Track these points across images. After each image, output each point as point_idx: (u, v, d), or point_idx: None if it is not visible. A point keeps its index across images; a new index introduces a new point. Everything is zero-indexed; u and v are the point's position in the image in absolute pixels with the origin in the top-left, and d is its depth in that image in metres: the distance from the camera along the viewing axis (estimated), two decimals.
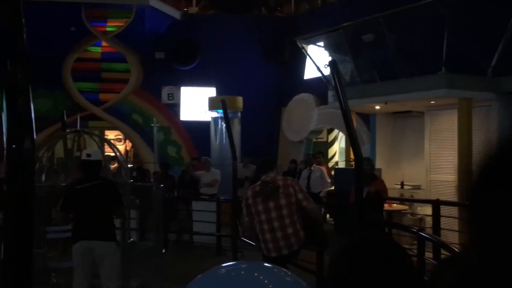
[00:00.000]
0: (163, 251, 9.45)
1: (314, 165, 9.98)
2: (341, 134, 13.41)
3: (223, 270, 1.07)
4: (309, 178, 9.85)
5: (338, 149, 14.57)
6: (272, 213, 4.65)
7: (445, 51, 7.65)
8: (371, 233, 1.24)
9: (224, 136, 12.80)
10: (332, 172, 10.96)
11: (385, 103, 9.03)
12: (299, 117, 13.66)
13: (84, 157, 5.08)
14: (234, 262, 1.16)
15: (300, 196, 4.73)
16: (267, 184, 4.76)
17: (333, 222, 9.77)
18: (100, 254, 4.92)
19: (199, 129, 14.24)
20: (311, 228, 4.90)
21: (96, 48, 14.65)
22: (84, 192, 4.90)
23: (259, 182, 4.90)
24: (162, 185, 10.29)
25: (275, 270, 1.04)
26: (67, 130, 8.61)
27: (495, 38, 7.92)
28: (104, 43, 14.52)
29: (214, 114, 13.42)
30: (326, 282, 1.08)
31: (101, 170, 5.39)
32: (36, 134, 2.22)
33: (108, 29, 14.38)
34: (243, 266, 1.09)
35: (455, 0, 7.55)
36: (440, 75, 7.86)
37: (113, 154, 7.15)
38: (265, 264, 1.11)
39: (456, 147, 8.25)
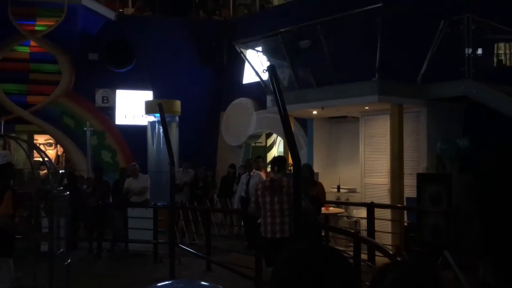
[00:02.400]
0: (97, 261, 9.08)
1: (254, 170, 9.97)
2: (279, 138, 13.53)
3: None
4: (247, 183, 9.83)
5: (276, 153, 14.68)
6: (275, 206, 5.69)
7: (378, 58, 7.91)
8: (312, 241, 1.24)
9: (161, 140, 12.53)
10: None
11: (322, 108, 9.21)
12: (238, 121, 13.65)
13: None
14: (170, 282, 1.08)
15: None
16: (275, 182, 5.75)
17: None
18: None
19: (136, 134, 13.86)
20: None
21: (24, 48, 13.88)
22: None
23: (269, 179, 5.98)
24: (95, 191, 9.95)
25: None
26: None
27: (424, 47, 8.31)
28: (32, 43, 13.78)
29: (151, 118, 13.12)
30: None
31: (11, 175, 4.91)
32: None
33: (37, 28, 13.67)
34: (179, 286, 1.01)
35: (388, 9, 7.84)
36: (374, 82, 8.12)
37: (41, 159, 6.76)
38: (202, 283, 1.04)
39: (388, 151, 8.54)
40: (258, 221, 6.62)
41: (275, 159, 6.35)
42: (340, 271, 1.09)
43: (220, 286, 0.99)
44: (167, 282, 1.02)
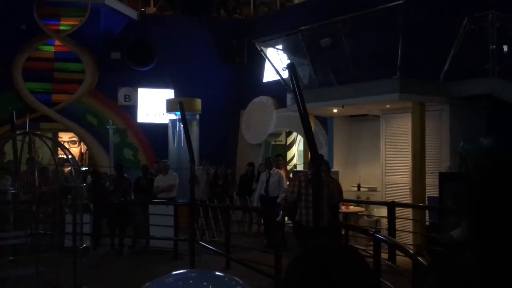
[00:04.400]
0: (118, 257, 9.22)
1: (274, 168, 9.98)
2: (299, 137, 13.51)
3: (171, 278, 1.01)
4: (267, 181, 9.85)
5: (296, 151, 14.67)
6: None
7: (399, 56, 7.83)
8: (328, 240, 1.23)
9: (182, 138, 12.63)
10: (291, 175, 11.01)
11: (342, 107, 9.16)
12: (258, 119, 13.67)
13: None
14: (184, 271, 1.10)
15: (335, 193, 6.68)
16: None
17: (291, 225, 9.80)
18: None
19: (157, 132, 14.01)
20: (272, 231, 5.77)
21: (48, 47, 14.15)
22: None
23: (309, 172, 6.45)
24: (117, 188, 10.10)
25: (226, 279, 0.98)
26: (17, 132, 8.24)
27: (447, 44, 8.18)
28: (57, 42, 14.04)
29: (172, 116, 13.24)
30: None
31: None
32: None
33: (61, 27, 13.92)
34: (193, 274, 1.03)
35: (410, 7, 7.75)
36: (395, 80, 8.04)
37: (65, 156, 6.90)
38: (216, 273, 1.06)
39: (410, 150, 8.45)
40: (277, 219, 6.69)
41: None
42: (356, 270, 1.07)
43: (235, 277, 1.01)
44: (181, 271, 1.04)
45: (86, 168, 13.78)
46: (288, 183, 10.38)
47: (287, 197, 7.01)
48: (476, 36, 8.07)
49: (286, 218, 9.62)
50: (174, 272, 1.05)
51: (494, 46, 8.05)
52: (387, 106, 8.93)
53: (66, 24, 13.88)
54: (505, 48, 8.47)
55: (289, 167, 13.43)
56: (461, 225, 4.52)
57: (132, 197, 10.37)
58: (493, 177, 0.93)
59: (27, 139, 7.37)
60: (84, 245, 6.78)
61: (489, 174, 0.94)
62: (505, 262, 0.86)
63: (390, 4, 7.80)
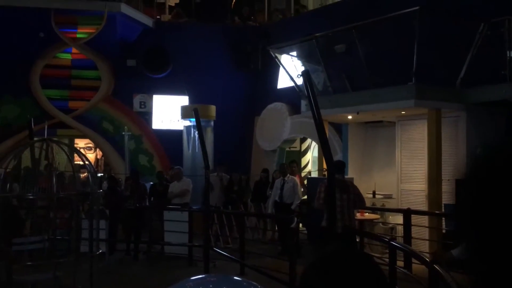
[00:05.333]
0: (134, 262, 9.27)
1: (288, 175, 9.96)
2: (314, 143, 13.47)
3: (191, 283, 1.02)
4: (282, 188, 9.83)
5: (311, 158, 14.62)
6: (344, 202, 6.57)
7: (415, 62, 7.78)
8: (343, 246, 1.23)
9: (197, 145, 12.69)
10: (305, 182, 10.98)
11: (357, 113, 9.12)
12: (272, 126, 13.67)
13: None
14: (203, 276, 1.11)
15: (360, 197, 6.90)
16: (340, 182, 6.46)
17: (306, 231, 9.76)
18: None
19: (172, 138, 14.08)
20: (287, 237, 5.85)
21: (66, 54, 14.36)
22: None
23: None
24: (133, 194, 10.17)
25: (244, 284, 0.99)
26: (35, 138, 8.37)
27: (463, 50, 8.11)
28: (74, 50, 14.24)
29: (187, 122, 13.31)
30: None
31: None
32: (2, 142, 2.11)
33: (78, 35, 14.12)
34: (212, 279, 1.04)
35: (425, 12, 7.71)
36: (410, 86, 7.99)
37: (82, 163, 6.98)
38: (234, 277, 1.07)
39: (426, 157, 8.37)
40: (292, 225, 6.69)
41: (337, 163, 6.84)
42: (370, 276, 1.06)
43: (253, 282, 1.01)
44: (200, 276, 1.05)
45: (102, 174, 13.91)
46: (302, 189, 10.37)
47: (315, 205, 6.97)
48: (493, 41, 7.99)
49: (301, 225, 9.60)
50: (192, 278, 1.06)
51: (511, 52, 7.96)
52: (403, 112, 8.87)
53: (83, 32, 14.08)
54: None
55: (303, 174, 13.39)
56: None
57: (148, 203, 10.44)
58: (485, 184, 0.91)
59: (45, 145, 7.47)
60: (100, 251, 6.84)
61: (482, 181, 0.92)
62: (503, 275, 0.84)
63: (405, 10, 7.77)
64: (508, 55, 7.94)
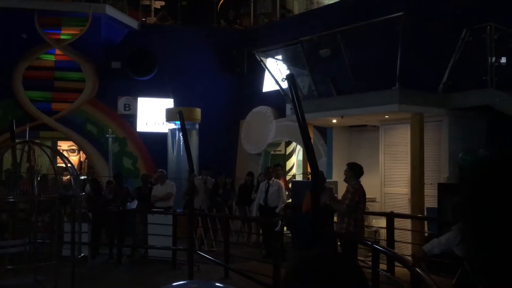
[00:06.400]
0: (117, 266, 9.19)
1: (273, 178, 9.97)
2: (299, 147, 13.52)
3: None
4: (267, 191, 9.84)
5: (296, 161, 14.67)
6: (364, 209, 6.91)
7: (398, 67, 7.87)
8: (325, 249, 1.24)
9: (181, 148, 12.64)
10: (290, 185, 11.00)
11: (342, 117, 9.18)
12: (257, 129, 13.69)
13: None
14: (185, 282, 1.11)
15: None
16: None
17: (290, 235, 9.77)
18: None
19: (156, 141, 14.01)
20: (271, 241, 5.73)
21: (49, 56, 14.20)
22: None
23: (358, 186, 6.76)
24: (116, 197, 10.08)
25: None
26: (16, 141, 8.24)
27: (446, 56, 8.23)
28: (57, 51, 14.09)
29: (172, 125, 13.25)
30: None
31: None
32: None
33: (62, 37, 13.98)
34: (194, 286, 1.04)
35: (409, 18, 7.80)
36: (394, 90, 8.07)
37: (64, 165, 6.90)
38: (217, 284, 1.07)
39: (409, 161, 8.46)
40: (276, 229, 6.68)
41: (358, 167, 6.99)
42: (350, 279, 1.07)
43: None
44: (182, 282, 1.04)
45: (85, 176, 13.77)
46: (287, 193, 10.39)
47: (343, 210, 6.74)
48: (475, 48, 8.12)
49: (285, 228, 9.61)
50: (174, 284, 1.05)
51: (493, 58, 8.09)
52: (386, 116, 8.95)
53: (67, 34, 13.94)
54: (504, 59, 8.51)
55: (288, 177, 13.42)
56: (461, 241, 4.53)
57: (136, 206, 10.34)
58: (486, 184, 0.93)
59: (26, 147, 7.37)
60: (83, 254, 6.76)
61: (481, 181, 0.94)
62: (504, 272, 0.86)
63: (389, 16, 7.86)
64: (489, 61, 8.07)
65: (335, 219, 7.52)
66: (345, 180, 6.90)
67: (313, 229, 4.97)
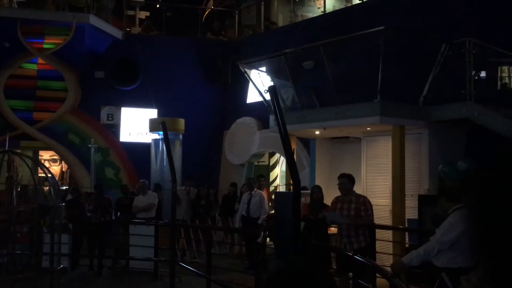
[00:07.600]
0: (97, 278, 9.06)
1: (255, 189, 9.99)
2: (282, 158, 13.57)
3: None
4: (249, 202, 9.84)
5: (279, 172, 14.71)
6: None
7: (380, 80, 7.99)
8: (299, 258, 1.27)
9: (165, 158, 12.59)
10: (273, 196, 11.02)
11: (324, 129, 9.26)
12: (241, 140, 13.72)
13: None
14: None
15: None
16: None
17: (273, 246, 9.77)
18: None
19: (139, 151, 13.94)
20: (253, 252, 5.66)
21: (31, 65, 14.07)
22: None
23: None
24: (97, 208, 9.99)
25: None
26: None
27: (426, 69, 8.39)
28: (40, 60, 13.98)
29: (155, 135, 13.21)
30: None
31: None
32: None
33: (45, 46, 13.87)
34: None
35: (390, 32, 7.95)
36: (375, 103, 8.18)
37: (45, 175, 6.83)
38: None
39: (390, 172, 8.55)
40: (258, 240, 6.68)
41: (351, 177, 6.86)
42: (320, 285, 1.11)
43: None
44: None
45: (67, 187, 13.61)
46: (270, 204, 10.40)
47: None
48: (454, 62, 8.30)
49: (268, 239, 9.61)
50: None
51: (471, 72, 8.27)
52: (368, 128, 9.06)
53: (50, 43, 13.85)
54: (482, 73, 8.71)
55: (271, 188, 13.45)
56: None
57: (113, 217, 10.25)
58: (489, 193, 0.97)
59: (6, 157, 7.28)
60: (62, 266, 6.67)
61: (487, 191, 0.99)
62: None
63: (371, 30, 7.99)
64: (468, 75, 8.25)
65: (332, 229, 7.55)
66: (345, 192, 6.74)
67: (295, 238, 4.99)
